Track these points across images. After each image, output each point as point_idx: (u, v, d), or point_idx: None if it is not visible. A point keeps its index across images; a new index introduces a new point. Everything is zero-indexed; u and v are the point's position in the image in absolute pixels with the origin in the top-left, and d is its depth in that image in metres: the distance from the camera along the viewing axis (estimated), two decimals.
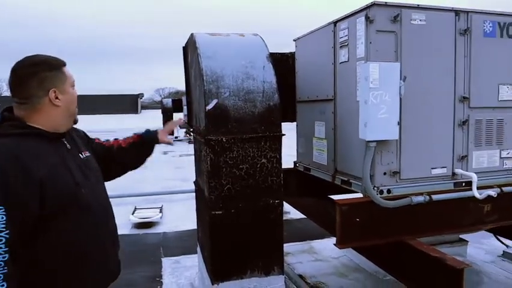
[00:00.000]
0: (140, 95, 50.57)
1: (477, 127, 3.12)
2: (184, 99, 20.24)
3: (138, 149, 2.20)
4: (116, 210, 6.92)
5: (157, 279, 3.96)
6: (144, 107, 53.64)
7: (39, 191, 1.47)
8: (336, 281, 3.86)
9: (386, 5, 2.79)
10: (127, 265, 4.24)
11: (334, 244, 2.99)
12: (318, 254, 4.51)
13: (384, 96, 2.72)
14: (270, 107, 2.85)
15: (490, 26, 3.07)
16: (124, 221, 6.06)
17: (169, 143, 2.32)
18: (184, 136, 21.21)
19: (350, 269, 4.15)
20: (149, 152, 2.26)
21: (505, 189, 3.11)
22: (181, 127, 2.31)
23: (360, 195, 3.04)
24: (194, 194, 7.48)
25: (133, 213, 6.09)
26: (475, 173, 3.02)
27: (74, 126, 1.86)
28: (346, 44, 3.12)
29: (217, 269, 2.85)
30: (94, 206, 1.71)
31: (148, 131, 2.30)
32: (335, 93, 3.36)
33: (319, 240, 4.91)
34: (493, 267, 4.04)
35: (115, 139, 2.22)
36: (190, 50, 3.39)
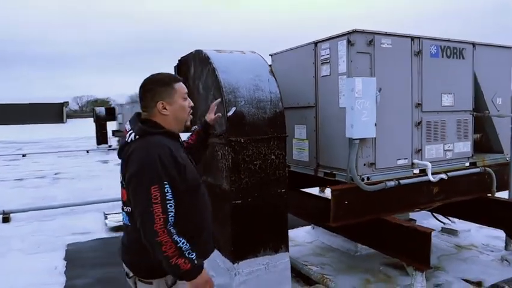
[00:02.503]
0: (66, 104, 48.18)
1: (428, 127, 3.99)
2: (117, 107, 19.98)
3: (202, 141, 2.61)
4: (83, 217, 7.43)
5: None
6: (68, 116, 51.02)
7: (183, 174, 1.96)
8: (316, 260, 4.56)
9: (363, 31, 3.55)
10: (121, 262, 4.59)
11: (325, 224, 3.65)
12: (294, 241, 5.17)
13: (366, 103, 3.47)
14: (276, 113, 3.47)
15: (435, 49, 3.98)
16: (97, 226, 6.26)
17: (218, 117, 2.65)
18: (117, 145, 20.89)
19: (325, 250, 4.88)
20: (207, 139, 2.65)
21: (448, 174, 4.03)
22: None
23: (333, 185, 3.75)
24: None
25: (106, 218, 6.29)
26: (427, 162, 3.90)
27: None
28: (328, 61, 3.83)
29: (237, 251, 3.37)
30: (205, 195, 2.19)
31: (201, 123, 2.67)
32: (317, 101, 4.06)
33: (291, 230, 5.56)
34: (435, 240, 5.00)
35: (184, 141, 2.55)
36: (195, 64, 3.89)
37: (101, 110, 20.21)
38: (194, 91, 3.96)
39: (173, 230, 1.85)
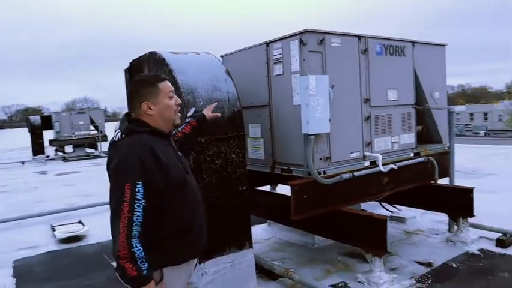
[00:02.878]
0: None
1: (376, 120, 4.23)
2: (53, 116, 18.99)
3: (196, 131, 2.74)
4: (29, 230, 7.08)
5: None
6: None
7: (164, 173, 1.96)
8: (276, 255, 4.65)
9: (315, 31, 3.69)
10: (82, 274, 4.46)
11: (288, 219, 3.75)
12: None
13: (319, 100, 3.61)
14: (234, 112, 3.52)
15: (379, 47, 4.22)
16: (45, 239, 5.94)
17: (216, 117, 2.87)
18: (55, 155, 19.88)
19: (283, 245, 4.99)
20: (201, 129, 2.81)
21: (397, 164, 4.29)
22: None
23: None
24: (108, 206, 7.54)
25: (54, 231, 5.99)
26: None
27: None
28: (280, 60, 3.94)
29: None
30: (194, 191, 2.19)
31: (196, 115, 2.80)
32: (270, 100, 4.16)
33: None
34: None
35: (178, 131, 2.64)
36: (149, 66, 3.83)
37: (36, 119, 19.10)
38: None
39: (135, 232, 1.85)
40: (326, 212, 3.86)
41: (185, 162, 2.26)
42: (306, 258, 4.54)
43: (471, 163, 10.20)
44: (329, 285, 3.73)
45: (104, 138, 19.02)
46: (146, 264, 1.87)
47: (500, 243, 4.57)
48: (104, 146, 18.92)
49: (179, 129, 2.67)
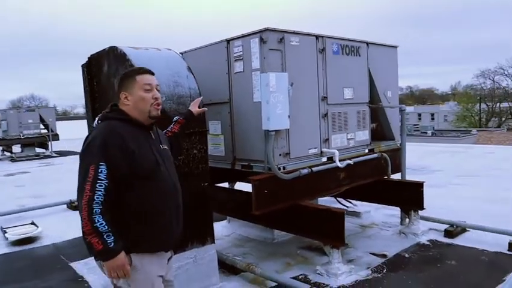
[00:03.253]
0: None
1: (333, 118, 4.38)
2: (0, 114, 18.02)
3: (185, 129, 2.90)
4: None
5: (79, 279, 4.07)
6: None
7: (130, 158, 2.04)
8: (237, 251, 4.71)
9: (275, 30, 3.78)
10: (38, 275, 4.35)
11: (249, 214, 3.81)
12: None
13: (279, 97, 3.70)
14: None
15: (336, 47, 4.37)
16: None
17: (203, 111, 3.00)
18: (2, 155, 18.90)
19: (243, 241, 5.05)
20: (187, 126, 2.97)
21: (352, 160, 4.46)
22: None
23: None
24: (64, 206, 7.34)
25: (5, 233, 5.73)
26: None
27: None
28: (241, 58, 4.00)
29: None
30: (166, 182, 2.22)
31: (183, 113, 2.94)
32: (231, 96, 4.20)
33: None
34: None
35: (168, 130, 2.78)
36: (109, 61, 3.77)
37: None
38: (109, 89, 3.85)
39: (96, 209, 1.94)
40: (286, 207, 3.96)
41: (166, 155, 2.33)
42: (266, 252, 4.62)
43: (420, 160, 10.74)
44: (290, 278, 3.83)
45: (56, 137, 18.28)
46: (113, 237, 1.95)
47: (448, 233, 4.87)
48: (55, 146, 18.21)
49: (169, 129, 2.80)
